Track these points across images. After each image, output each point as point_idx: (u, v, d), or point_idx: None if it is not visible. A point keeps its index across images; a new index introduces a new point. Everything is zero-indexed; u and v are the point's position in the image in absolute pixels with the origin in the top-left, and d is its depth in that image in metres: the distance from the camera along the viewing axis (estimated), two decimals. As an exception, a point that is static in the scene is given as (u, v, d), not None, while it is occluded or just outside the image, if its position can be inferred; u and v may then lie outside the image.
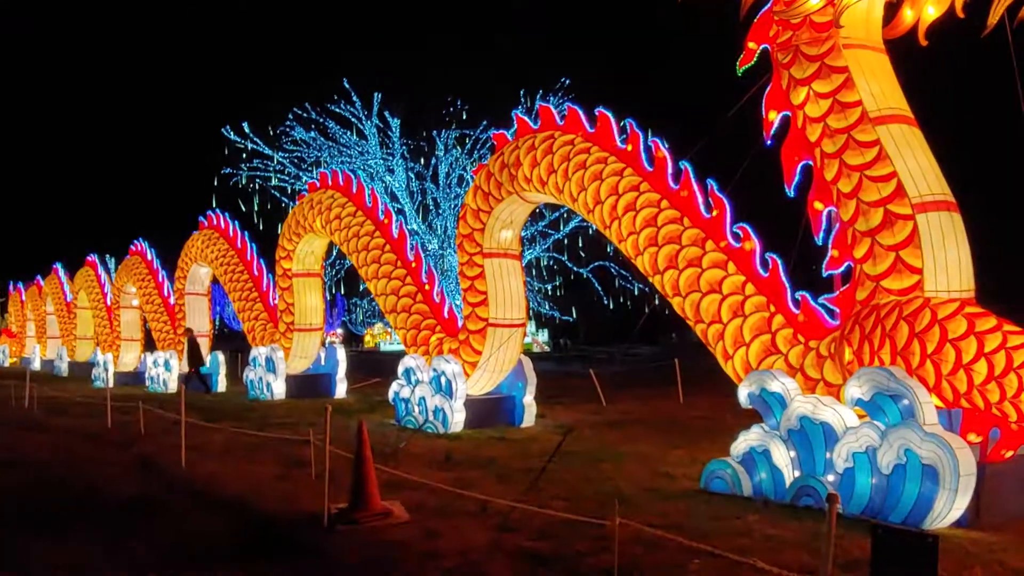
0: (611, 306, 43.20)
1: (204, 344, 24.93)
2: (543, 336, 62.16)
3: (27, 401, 19.40)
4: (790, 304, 9.86)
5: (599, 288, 41.00)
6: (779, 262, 10.07)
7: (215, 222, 23.84)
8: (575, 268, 40.65)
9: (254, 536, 8.05)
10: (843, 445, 8.27)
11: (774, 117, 9.93)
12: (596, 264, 40.04)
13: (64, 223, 74.89)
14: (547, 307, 43.53)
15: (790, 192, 9.78)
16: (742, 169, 9.97)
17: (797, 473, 8.76)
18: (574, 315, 45.64)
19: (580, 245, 39.83)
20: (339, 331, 69.95)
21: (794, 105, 9.62)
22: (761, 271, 10.14)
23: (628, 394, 20.82)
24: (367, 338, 61.87)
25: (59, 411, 18.41)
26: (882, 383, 8.04)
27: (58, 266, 35.51)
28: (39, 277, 38.35)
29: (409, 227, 40.00)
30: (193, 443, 12.47)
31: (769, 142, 10.01)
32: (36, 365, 37.76)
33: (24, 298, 41.00)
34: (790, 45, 9.62)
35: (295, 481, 10.27)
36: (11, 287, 43.66)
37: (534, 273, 42.28)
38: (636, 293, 40.68)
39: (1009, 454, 7.99)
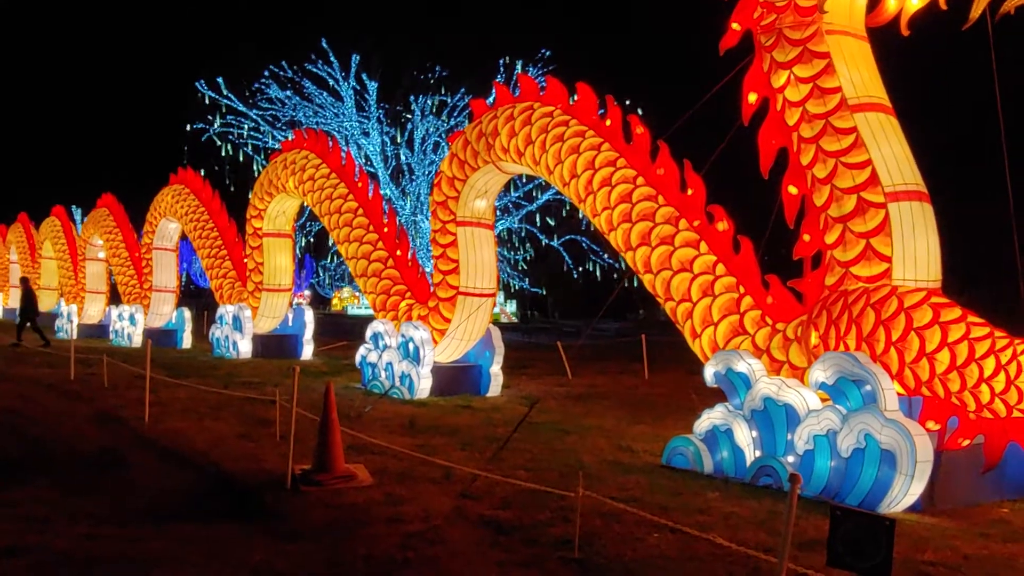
0: (580, 279, 43.37)
1: (171, 300, 24.76)
2: (511, 307, 62.24)
3: (-13, 349, 19.20)
4: (760, 286, 9.94)
5: (569, 261, 41.13)
6: (751, 244, 10.15)
7: (186, 176, 23.56)
8: (545, 240, 40.72)
9: (216, 494, 8.04)
10: (804, 427, 8.38)
11: (754, 99, 9.94)
12: (567, 237, 40.16)
13: (32, 173, 73.73)
14: (516, 278, 43.60)
15: (765, 175, 9.83)
16: (719, 150, 9.99)
17: (758, 453, 8.87)
18: (542, 287, 45.77)
19: (551, 216, 39.89)
20: (307, 293, 69.67)
21: (774, 88, 9.64)
22: (733, 252, 10.21)
23: (594, 368, 20.96)
24: (335, 301, 61.72)
25: (20, 360, 18.23)
26: (846, 368, 8.15)
27: (24, 214, 34.97)
28: (3, 225, 37.75)
29: (382, 192, 39.85)
30: (157, 399, 12.43)
31: (747, 124, 10.04)
32: (-2, 314, 37.34)
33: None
34: (773, 28, 9.63)
35: (259, 441, 10.26)
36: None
37: (504, 243, 42.31)
38: (606, 268, 40.85)
39: (965, 443, 8.13)
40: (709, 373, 9.56)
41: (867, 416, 7.88)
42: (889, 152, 8.90)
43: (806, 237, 9.45)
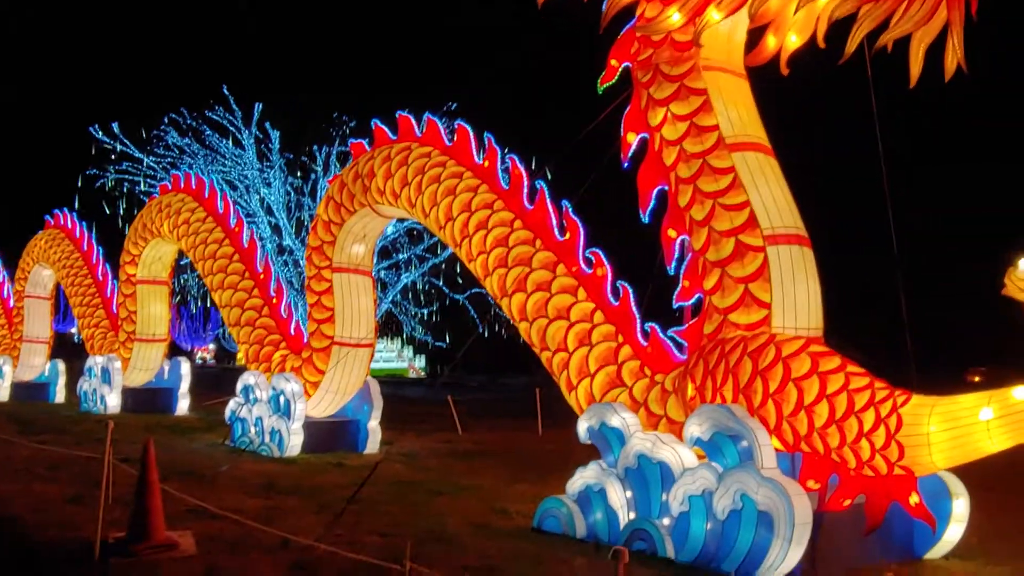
0: (486, 334, 42.59)
1: (43, 351, 23.25)
2: (420, 362, 61.22)
3: None
4: (639, 335, 9.35)
5: (475, 315, 40.38)
6: (630, 291, 9.57)
7: (61, 221, 22.27)
8: (451, 294, 39.99)
9: (16, 567, 7.03)
10: (679, 487, 7.73)
11: (632, 139, 9.43)
12: (473, 291, 39.46)
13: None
14: (421, 332, 42.69)
15: (645, 218, 9.30)
16: (584, 188, 9.45)
17: (632, 515, 8.18)
18: (448, 341, 44.89)
19: (458, 270, 39.21)
20: (211, 347, 67.59)
21: (651, 126, 9.14)
22: (611, 299, 9.62)
23: (487, 424, 20.15)
24: (239, 355, 59.79)
25: None
26: (722, 422, 7.56)
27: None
28: None
29: (284, 242, 38.75)
30: (-8, 457, 11.28)
31: (627, 164, 9.52)
32: None
33: None
34: (651, 64, 9.17)
35: (88, 504, 9.14)
36: None
37: (410, 297, 41.50)
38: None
39: (848, 503, 7.58)
40: (582, 428, 8.88)
41: (743, 475, 7.28)
42: (768, 194, 8.43)
43: (685, 283, 8.92)
